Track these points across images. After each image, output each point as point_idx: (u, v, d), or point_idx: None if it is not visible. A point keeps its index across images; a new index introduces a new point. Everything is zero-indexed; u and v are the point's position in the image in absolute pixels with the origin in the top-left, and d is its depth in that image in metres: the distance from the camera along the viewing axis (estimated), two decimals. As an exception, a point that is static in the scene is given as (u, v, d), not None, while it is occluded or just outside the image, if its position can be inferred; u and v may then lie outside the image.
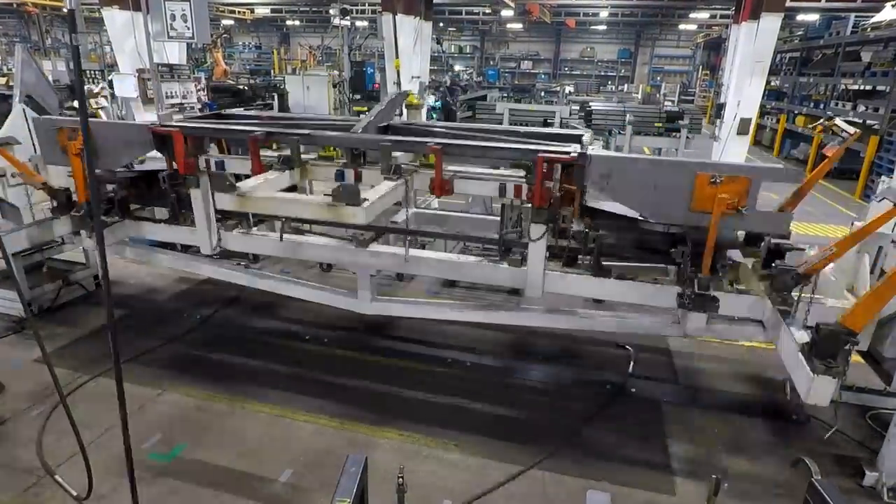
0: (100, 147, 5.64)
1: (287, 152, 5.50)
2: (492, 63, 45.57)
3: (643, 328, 5.21)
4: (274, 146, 5.60)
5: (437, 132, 5.61)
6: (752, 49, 13.50)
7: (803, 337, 4.02)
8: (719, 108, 14.76)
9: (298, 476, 4.58)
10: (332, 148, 5.48)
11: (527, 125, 20.46)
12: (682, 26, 38.06)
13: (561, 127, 20.58)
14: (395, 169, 5.15)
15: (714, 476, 3.31)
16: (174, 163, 5.65)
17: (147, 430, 5.02)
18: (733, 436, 5.19)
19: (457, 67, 38.88)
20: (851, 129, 4.79)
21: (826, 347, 3.74)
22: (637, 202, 4.60)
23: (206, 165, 5.72)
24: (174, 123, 5.92)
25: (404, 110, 13.46)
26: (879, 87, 15.46)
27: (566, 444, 4.97)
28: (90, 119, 5.95)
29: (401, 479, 3.39)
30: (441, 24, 39.21)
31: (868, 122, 15.15)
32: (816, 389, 3.72)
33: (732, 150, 12.70)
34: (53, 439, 4.87)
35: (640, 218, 4.79)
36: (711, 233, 4.32)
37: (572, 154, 4.68)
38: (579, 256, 5.19)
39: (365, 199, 4.51)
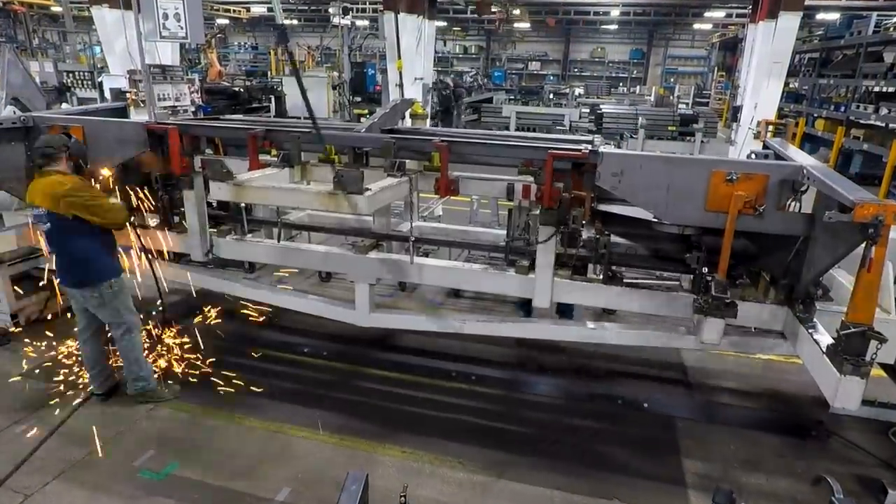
0: (91, 146, 5.70)
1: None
2: (498, 64, 45.74)
3: (656, 340, 5.21)
4: (273, 153, 5.66)
5: (442, 135, 5.65)
6: (769, 49, 13.58)
7: (826, 339, 4.04)
8: (735, 111, 14.84)
9: (297, 494, 4.57)
10: (333, 153, 5.51)
11: (535, 129, 20.64)
12: (696, 25, 38.18)
13: (571, 131, 20.74)
14: (398, 166, 5.19)
15: (729, 489, 3.31)
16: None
17: (138, 446, 5.03)
18: (750, 452, 5.18)
19: (460, 68, 39.04)
20: None
21: (852, 346, 3.74)
22: (650, 202, 4.61)
23: (202, 165, 5.77)
24: (170, 121, 5.97)
25: (408, 119, 13.51)
26: (903, 89, 15.47)
27: (576, 462, 4.98)
28: (84, 117, 6.02)
29: (403, 499, 3.41)
30: (445, 24, 39.36)
31: (890, 125, 15.16)
32: (845, 391, 3.71)
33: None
34: (43, 455, 4.89)
35: (653, 220, 4.82)
36: (728, 233, 4.34)
37: (584, 150, 4.71)
38: (589, 265, 5.23)
39: (367, 189, 4.53)
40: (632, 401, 5.88)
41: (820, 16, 23.55)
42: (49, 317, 6.96)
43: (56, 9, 28.20)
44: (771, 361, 6.51)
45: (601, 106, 21.06)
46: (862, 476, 4.92)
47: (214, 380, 5.86)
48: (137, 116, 10.27)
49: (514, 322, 5.70)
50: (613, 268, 5.11)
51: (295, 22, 42.73)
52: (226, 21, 38.06)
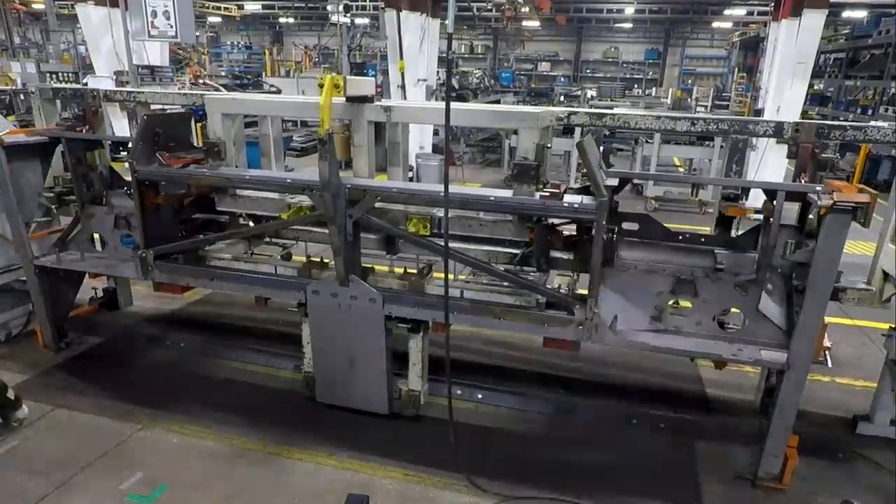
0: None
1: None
2: (506, 64, 45.82)
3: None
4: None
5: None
6: (793, 49, 13.56)
7: None
8: (757, 115, 14.80)
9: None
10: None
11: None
12: (715, 24, 38.20)
13: (582, 133, 20.71)
14: None
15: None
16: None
17: (126, 468, 5.05)
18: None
19: (464, 69, 39.07)
20: None
21: None
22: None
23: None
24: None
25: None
26: (934, 91, 15.52)
27: (587, 485, 4.99)
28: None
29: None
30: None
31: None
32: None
33: (771, 160, 12.70)
34: (26, 478, 4.92)
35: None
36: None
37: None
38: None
39: None
40: (645, 418, 5.88)
41: (846, 13, 23.53)
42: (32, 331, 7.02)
43: (38, 6, 28.33)
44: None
45: (615, 109, 21.11)
46: (890, 500, 4.92)
47: (204, 399, 5.89)
48: (123, 122, 10.36)
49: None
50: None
51: (291, 20, 42.89)
52: (217, 19, 38.20)
